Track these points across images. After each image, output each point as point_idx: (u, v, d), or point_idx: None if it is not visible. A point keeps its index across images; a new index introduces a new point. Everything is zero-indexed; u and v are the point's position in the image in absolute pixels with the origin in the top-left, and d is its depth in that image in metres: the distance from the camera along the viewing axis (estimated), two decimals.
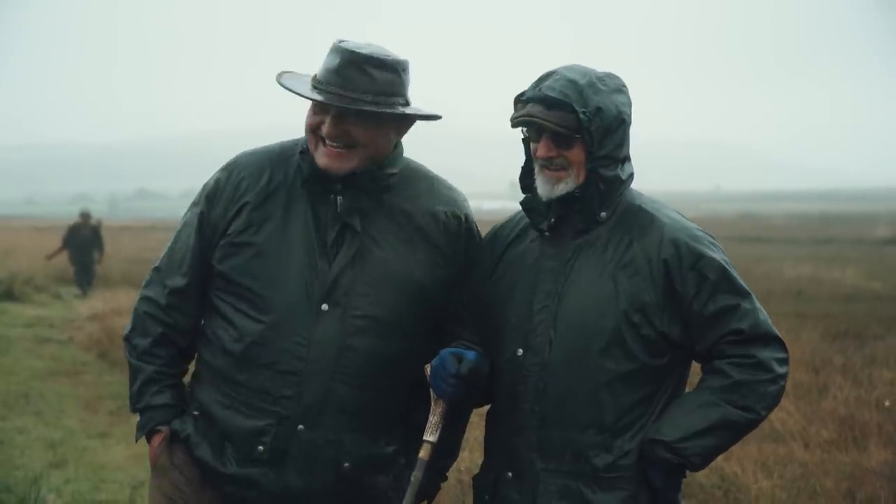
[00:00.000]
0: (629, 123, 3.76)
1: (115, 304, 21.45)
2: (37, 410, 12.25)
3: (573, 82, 3.68)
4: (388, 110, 3.75)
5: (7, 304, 24.92)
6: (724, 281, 3.65)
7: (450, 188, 4.08)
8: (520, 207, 3.93)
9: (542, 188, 3.74)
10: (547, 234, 3.81)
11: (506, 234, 3.98)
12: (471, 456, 7.66)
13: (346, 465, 3.83)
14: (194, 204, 3.99)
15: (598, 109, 3.66)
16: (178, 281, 3.93)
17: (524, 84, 3.80)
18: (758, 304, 3.71)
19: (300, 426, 3.77)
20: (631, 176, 3.82)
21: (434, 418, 3.86)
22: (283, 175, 3.88)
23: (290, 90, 3.79)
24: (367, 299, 3.80)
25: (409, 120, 3.88)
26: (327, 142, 3.75)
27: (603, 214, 3.74)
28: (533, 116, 3.68)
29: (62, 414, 12.15)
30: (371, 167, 3.81)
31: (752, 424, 3.66)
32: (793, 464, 8.51)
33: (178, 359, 4.02)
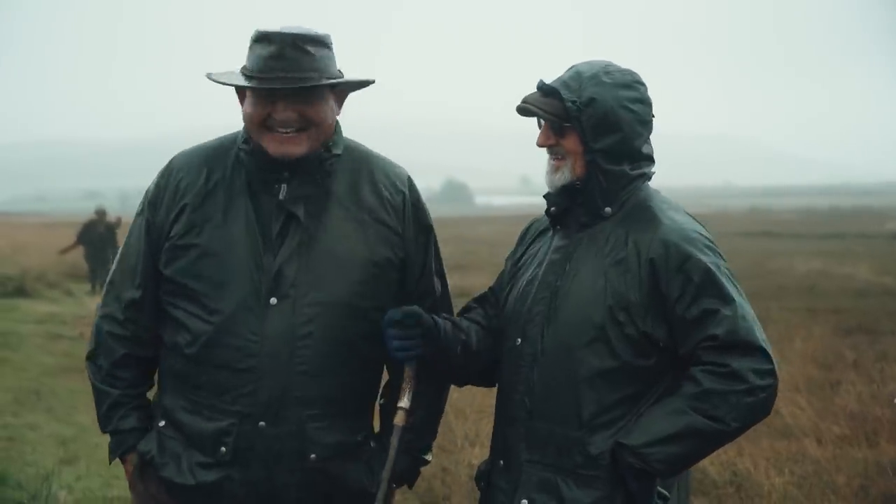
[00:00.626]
0: (642, 120, 3.74)
1: None
2: (48, 407, 12.27)
3: (579, 73, 3.74)
4: (346, 80, 3.79)
5: (18, 300, 24.95)
6: (709, 284, 3.58)
7: (391, 164, 4.08)
8: (530, 202, 3.94)
9: (546, 177, 3.81)
10: (558, 227, 3.84)
11: (535, 228, 4.03)
12: (482, 452, 7.65)
13: (313, 456, 3.82)
14: (138, 213, 3.95)
15: (592, 100, 3.67)
16: (133, 293, 3.90)
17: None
18: (742, 312, 3.58)
19: (261, 423, 3.76)
20: (643, 175, 3.80)
21: (403, 383, 3.89)
22: (221, 172, 3.86)
23: (240, 86, 3.76)
24: (316, 287, 3.78)
25: (346, 92, 3.91)
26: (279, 129, 3.73)
27: (608, 210, 3.75)
28: (526, 103, 3.76)
29: (74, 410, 12.16)
30: (319, 150, 3.81)
31: (721, 435, 3.55)
32: (805, 460, 8.50)
33: (142, 377, 3.99)
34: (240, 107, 3.82)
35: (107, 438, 4.02)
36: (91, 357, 3.98)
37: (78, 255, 29.22)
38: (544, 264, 3.82)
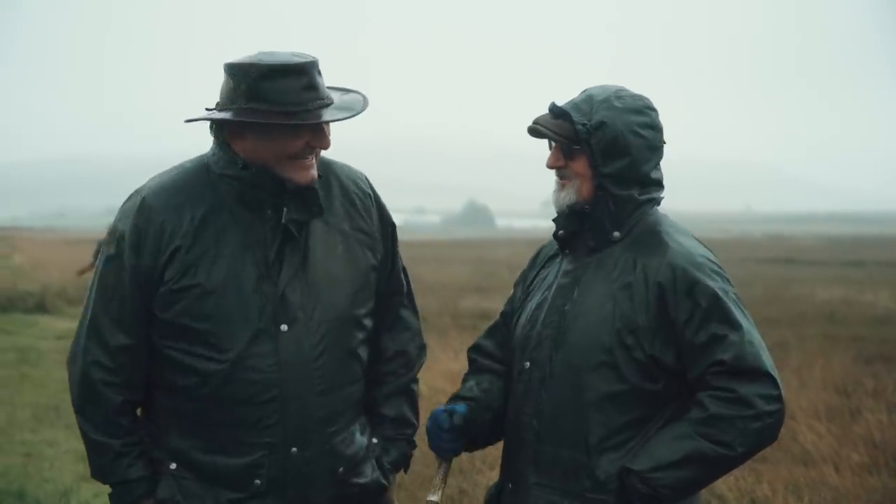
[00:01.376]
0: (652, 146, 3.76)
1: None
2: (67, 423, 12.26)
3: (591, 97, 3.77)
4: (365, 106, 3.80)
5: (38, 316, 25.01)
6: (716, 310, 3.59)
7: (348, 166, 4.07)
8: (551, 226, 3.98)
9: (552, 197, 3.84)
10: (567, 251, 3.87)
11: (545, 253, 4.06)
12: (495, 474, 7.64)
13: (341, 469, 3.85)
14: (115, 256, 3.77)
15: (601, 123, 3.70)
16: (122, 339, 3.75)
17: (558, 102, 3.87)
18: (749, 337, 3.59)
19: (293, 449, 3.75)
20: (652, 200, 3.82)
21: (437, 478, 3.95)
22: (203, 206, 3.74)
23: (322, 122, 3.68)
24: (319, 306, 3.78)
25: None
26: (307, 157, 3.71)
27: (616, 234, 3.77)
28: (537, 124, 3.79)
29: None
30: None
31: (727, 460, 3.56)
32: (824, 487, 8.45)
33: (136, 423, 3.88)
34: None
35: None
36: (82, 409, 3.85)
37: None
38: (553, 288, 3.84)
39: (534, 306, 3.88)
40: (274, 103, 3.62)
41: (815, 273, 39.92)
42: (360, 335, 3.91)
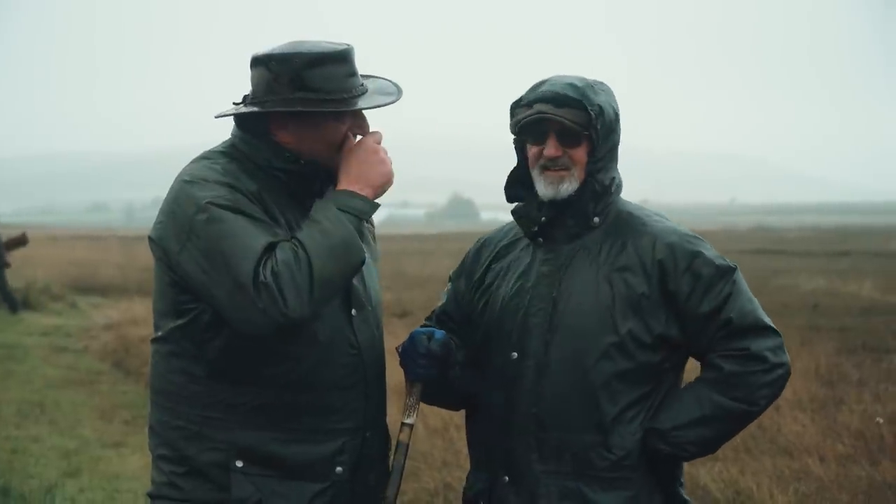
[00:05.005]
0: (619, 131, 3.84)
1: (131, 314, 21.50)
2: (52, 419, 12.29)
3: (572, 85, 3.77)
4: (399, 90, 3.83)
5: (23, 312, 24.99)
6: (717, 276, 3.71)
7: None
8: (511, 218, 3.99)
9: (546, 190, 3.80)
10: (540, 240, 3.86)
11: (495, 243, 4.06)
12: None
13: (389, 453, 3.92)
14: (238, 207, 3.49)
15: (601, 108, 3.74)
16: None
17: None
18: (748, 295, 3.75)
19: (367, 433, 3.77)
20: (620, 184, 3.89)
21: (410, 400, 3.89)
22: (256, 187, 3.60)
23: (371, 107, 3.66)
24: (372, 294, 3.84)
25: None
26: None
27: (596, 220, 3.81)
28: (544, 113, 3.74)
29: (77, 423, 12.18)
30: None
31: (748, 415, 3.71)
32: (808, 478, 8.47)
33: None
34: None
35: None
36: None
37: (84, 268, 29.17)
38: (532, 276, 3.83)
39: (507, 296, 3.86)
40: (322, 91, 3.60)
41: (799, 264, 39.99)
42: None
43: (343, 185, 3.61)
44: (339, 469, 3.69)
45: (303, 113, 3.62)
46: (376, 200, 3.66)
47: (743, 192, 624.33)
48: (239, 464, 3.62)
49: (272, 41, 3.75)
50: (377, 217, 3.96)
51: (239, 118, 3.74)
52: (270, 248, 3.43)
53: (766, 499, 7.86)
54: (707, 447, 3.74)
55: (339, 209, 3.53)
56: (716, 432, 3.70)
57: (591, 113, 3.71)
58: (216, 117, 3.76)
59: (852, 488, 8.23)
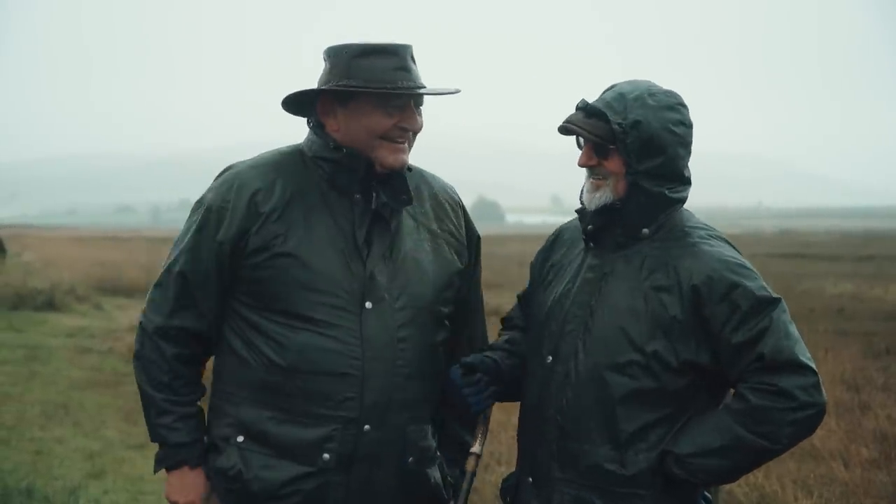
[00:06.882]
0: (684, 143, 3.74)
1: None
2: (76, 421, 12.29)
3: (622, 94, 3.73)
4: (453, 89, 3.90)
5: (48, 314, 25.03)
6: (754, 310, 3.59)
7: (436, 176, 4.18)
8: (561, 222, 3.97)
9: (584, 196, 3.81)
10: (591, 244, 3.84)
11: (563, 239, 4.05)
12: (508, 470, 7.63)
13: (411, 459, 3.88)
14: (201, 227, 3.83)
15: (637, 122, 3.67)
16: (194, 323, 3.86)
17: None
18: (787, 330, 3.61)
19: (366, 426, 3.77)
20: (682, 198, 3.80)
21: (476, 429, 3.96)
22: (294, 184, 3.84)
23: (409, 92, 3.78)
24: (406, 291, 3.85)
25: None
26: (397, 139, 3.80)
27: (645, 231, 3.75)
28: (571, 123, 3.76)
29: (101, 424, 12.18)
30: None
31: (769, 452, 3.59)
32: (833, 483, 8.44)
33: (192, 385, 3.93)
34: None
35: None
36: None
37: (109, 269, 29.22)
38: (577, 281, 3.82)
39: (557, 296, 3.86)
40: (365, 80, 3.74)
41: (825, 268, 39.84)
42: (442, 334, 3.97)
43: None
44: (325, 456, 3.76)
45: (345, 98, 3.79)
46: None
47: (768, 195, 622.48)
48: (240, 439, 3.81)
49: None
50: None
51: (308, 120, 3.95)
52: (161, 332, 3.87)
53: (790, 502, 7.83)
54: (723, 477, 3.68)
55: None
56: (733, 464, 3.61)
57: (617, 127, 3.67)
58: (283, 102, 3.92)
59: (877, 493, 8.20)
